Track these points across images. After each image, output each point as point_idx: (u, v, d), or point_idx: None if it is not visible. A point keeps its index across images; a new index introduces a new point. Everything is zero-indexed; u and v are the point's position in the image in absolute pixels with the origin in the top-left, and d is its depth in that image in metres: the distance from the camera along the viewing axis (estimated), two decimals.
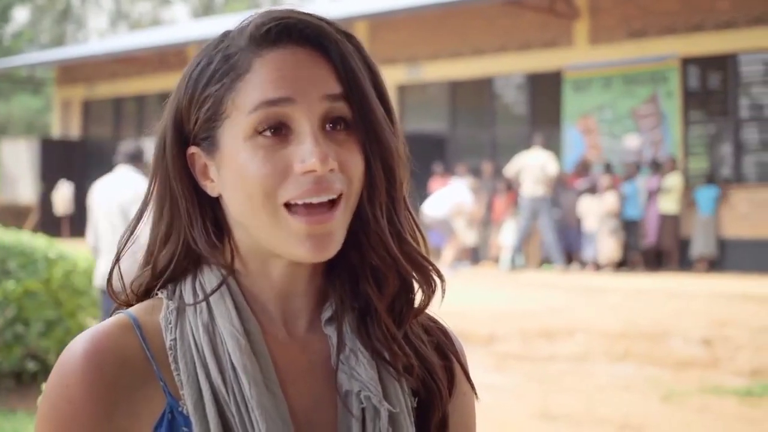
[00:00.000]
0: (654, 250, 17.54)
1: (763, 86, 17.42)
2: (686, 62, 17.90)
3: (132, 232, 1.35)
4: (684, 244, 17.33)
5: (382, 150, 1.27)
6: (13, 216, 25.28)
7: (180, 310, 1.29)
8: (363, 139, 1.26)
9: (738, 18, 17.21)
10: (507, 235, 18.15)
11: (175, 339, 1.26)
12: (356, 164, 1.26)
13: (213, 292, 1.28)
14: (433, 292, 1.38)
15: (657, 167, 17.50)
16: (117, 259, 1.36)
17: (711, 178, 17.27)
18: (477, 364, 9.26)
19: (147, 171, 8.23)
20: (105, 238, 7.62)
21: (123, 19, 50.98)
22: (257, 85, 1.23)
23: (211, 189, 1.29)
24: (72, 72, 28.09)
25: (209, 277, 1.30)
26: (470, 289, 14.35)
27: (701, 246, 17.02)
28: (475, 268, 18.24)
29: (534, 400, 7.99)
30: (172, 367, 1.25)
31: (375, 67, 1.30)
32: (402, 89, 21.50)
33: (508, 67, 20.01)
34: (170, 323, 1.28)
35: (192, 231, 1.30)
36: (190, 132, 1.29)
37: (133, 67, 26.14)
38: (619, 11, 18.48)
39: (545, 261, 18.05)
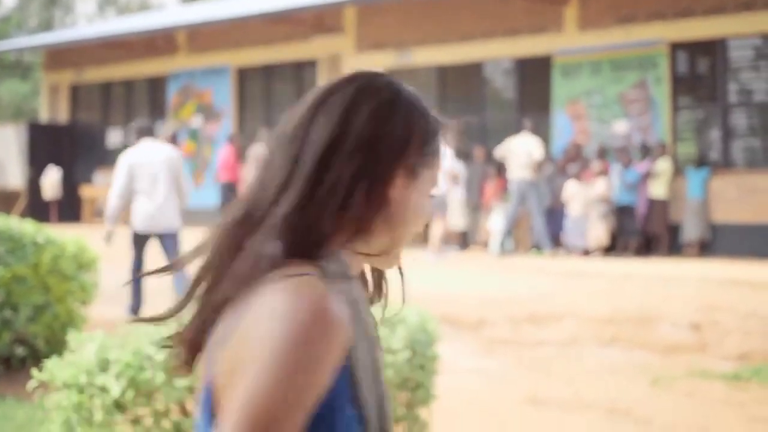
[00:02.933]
0: (643, 235, 17.58)
1: (752, 71, 17.44)
2: (675, 47, 17.92)
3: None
4: (673, 229, 17.38)
5: None
6: (1, 201, 25.23)
7: (337, 282, 1.62)
8: None
9: (726, 3, 17.21)
10: (496, 220, 18.16)
11: (345, 303, 1.61)
12: None
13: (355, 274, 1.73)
14: None
15: (647, 152, 17.54)
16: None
17: (701, 161, 17.29)
18: (465, 348, 9.28)
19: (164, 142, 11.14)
20: (147, 191, 10.18)
21: (111, 3, 50.77)
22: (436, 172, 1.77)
23: (391, 197, 1.69)
24: (60, 57, 27.98)
25: (353, 260, 1.70)
26: (459, 274, 14.37)
27: (692, 230, 17.05)
28: (464, 253, 18.26)
29: (522, 384, 8.01)
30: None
31: None
32: (391, 74, 21.39)
33: (497, 53, 20.00)
34: (339, 292, 1.61)
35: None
36: (406, 159, 1.72)
37: (122, 52, 26.05)
38: None
39: (534, 246, 18.06)
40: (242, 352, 1.52)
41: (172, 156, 10.40)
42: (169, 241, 10.18)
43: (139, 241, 10.25)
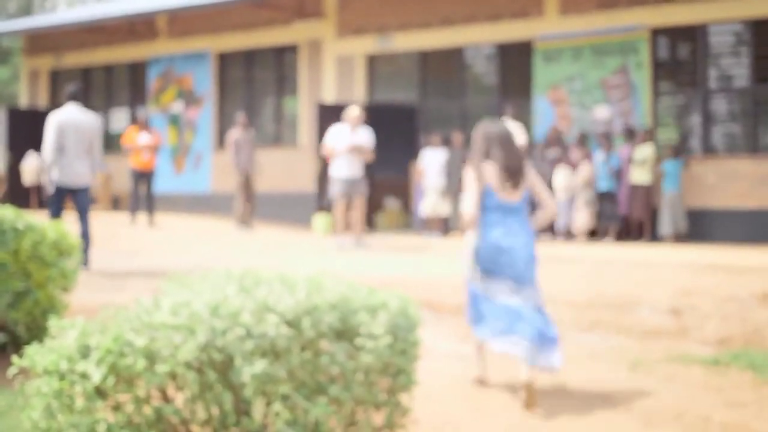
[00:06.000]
0: (625, 221, 17.64)
1: (732, 57, 17.50)
2: (656, 33, 17.96)
3: None
4: (656, 215, 17.44)
5: None
6: None
7: None
8: None
9: None
10: None
11: None
12: None
13: None
14: None
15: (631, 135, 17.57)
16: None
17: (677, 151, 17.31)
18: (446, 334, 9.31)
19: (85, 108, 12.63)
20: (72, 149, 11.84)
21: None
22: None
23: None
24: (40, 41, 27.84)
25: None
26: (440, 259, 14.39)
27: (669, 221, 17.11)
28: (445, 239, 18.28)
29: (502, 369, 8.03)
30: None
31: None
32: (372, 59, 21.45)
33: (479, 38, 20.00)
34: None
35: None
36: None
37: (102, 37, 25.94)
38: None
39: None
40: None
41: (93, 121, 12.09)
42: (82, 195, 11.93)
43: (59, 193, 11.84)
